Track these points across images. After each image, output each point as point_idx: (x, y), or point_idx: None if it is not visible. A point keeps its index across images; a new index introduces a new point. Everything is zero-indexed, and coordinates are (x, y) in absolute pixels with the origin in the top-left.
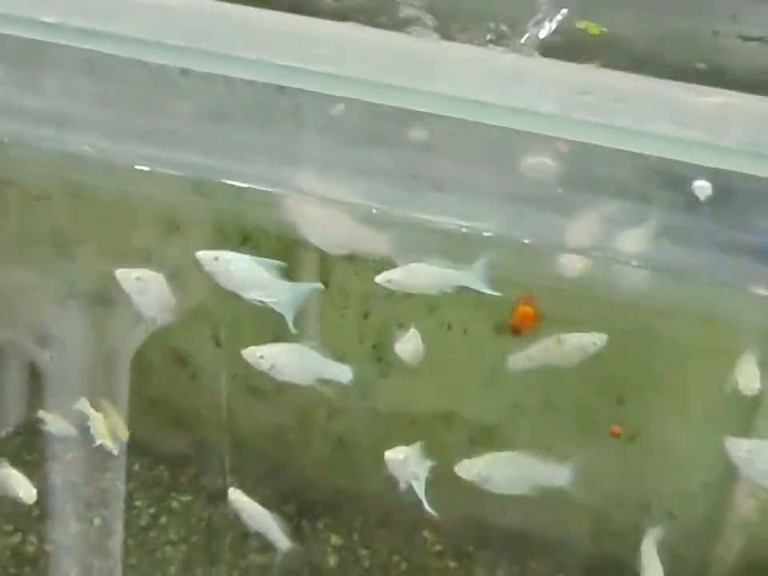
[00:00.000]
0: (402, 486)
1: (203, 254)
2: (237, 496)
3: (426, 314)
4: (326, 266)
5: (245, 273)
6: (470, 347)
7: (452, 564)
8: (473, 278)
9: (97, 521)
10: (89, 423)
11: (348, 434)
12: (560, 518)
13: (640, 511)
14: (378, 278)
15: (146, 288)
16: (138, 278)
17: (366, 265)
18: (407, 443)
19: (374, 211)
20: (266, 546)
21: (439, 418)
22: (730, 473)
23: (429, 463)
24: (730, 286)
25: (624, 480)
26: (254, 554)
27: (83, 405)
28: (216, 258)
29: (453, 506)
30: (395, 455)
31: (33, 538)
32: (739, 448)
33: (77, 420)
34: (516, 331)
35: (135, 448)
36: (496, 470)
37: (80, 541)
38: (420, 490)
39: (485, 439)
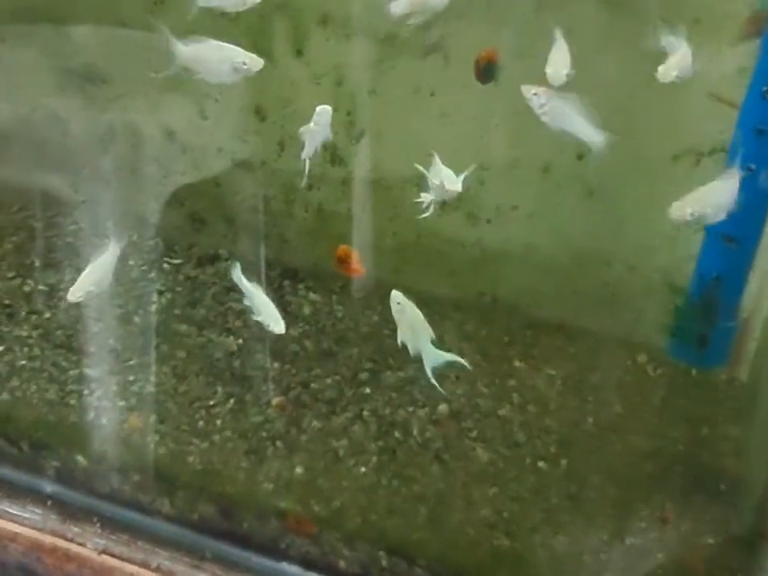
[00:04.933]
0: None
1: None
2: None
3: (396, 81)
4: (300, 34)
5: None
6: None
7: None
8: None
9: None
10: None
11: (326, 202)
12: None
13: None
14: None
15: None
16: None
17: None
18: (382, 208)
19: None
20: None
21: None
22: None
23: None
24: None
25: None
26: (232, 302)
27: None
28: None
29: (421, 267)
30: None
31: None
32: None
33: None
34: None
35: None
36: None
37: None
38: None
39: (455, 201)
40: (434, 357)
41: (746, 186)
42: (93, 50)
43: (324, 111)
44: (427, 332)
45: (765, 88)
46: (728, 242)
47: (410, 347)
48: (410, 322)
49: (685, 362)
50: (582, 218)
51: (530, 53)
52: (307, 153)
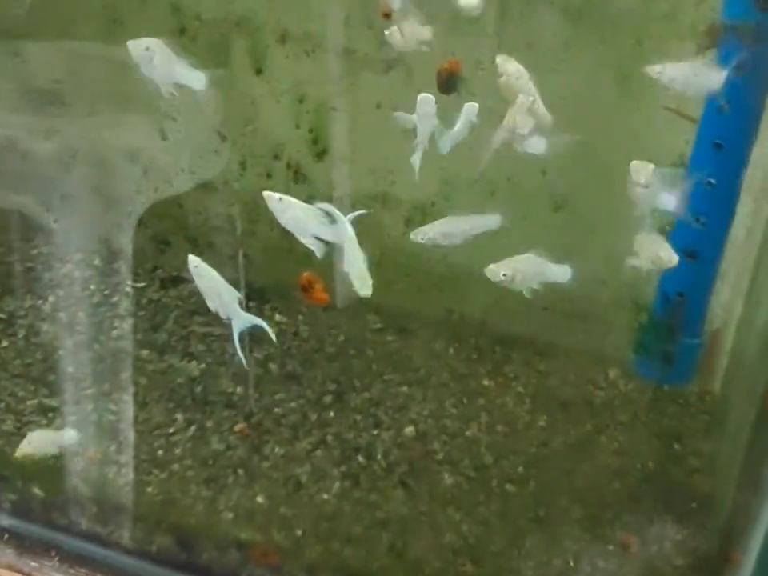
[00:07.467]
0: None
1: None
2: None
3: (358, 97)
4: (260, 52)
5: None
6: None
7: (390, 338)
8: None
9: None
10: None
11: None
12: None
13: None
14: None
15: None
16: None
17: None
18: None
19: None
20: (209, 321)
21: (373, 198)
22: None
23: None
24: None
25: None
26: (195, 325)
27: None
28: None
29: (388, 284)
30: None
31: None
32: None
33: None
34: None
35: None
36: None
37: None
38: None
39: (420, 217)
40: (242, 320)
41: (706, 200)
42: (51, 70)
43: (427, 99)
44: (233, 294)
45: (722, 102)
46: (690, 258)
47: (220, 313)
48: (213, 287)
49: (650, 380)
50: (549, 232)
51: (493, 65)
52: (421, 142)
